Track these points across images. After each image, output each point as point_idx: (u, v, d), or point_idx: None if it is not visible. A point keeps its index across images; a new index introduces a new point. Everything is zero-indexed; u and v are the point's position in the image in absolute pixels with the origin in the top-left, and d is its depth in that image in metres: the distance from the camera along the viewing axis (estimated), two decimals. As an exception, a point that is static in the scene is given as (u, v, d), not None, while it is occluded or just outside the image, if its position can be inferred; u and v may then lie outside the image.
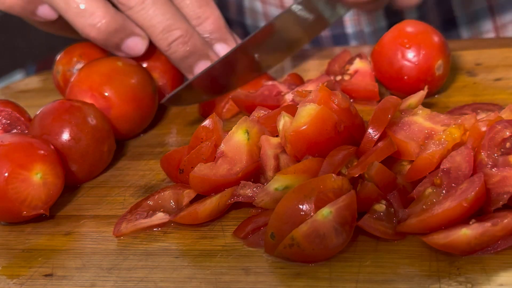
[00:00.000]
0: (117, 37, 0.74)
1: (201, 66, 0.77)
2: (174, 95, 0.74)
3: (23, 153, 0.62)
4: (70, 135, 0.67)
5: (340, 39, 1.03)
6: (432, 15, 1.03)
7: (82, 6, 0.72)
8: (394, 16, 1.01)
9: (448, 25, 1.01)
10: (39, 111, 0.69)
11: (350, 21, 1.01)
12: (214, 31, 0.77)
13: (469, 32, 1.03)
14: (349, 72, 0.76)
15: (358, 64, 0.76)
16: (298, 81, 0.78)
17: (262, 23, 1.05)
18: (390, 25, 1.01)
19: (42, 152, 0.63)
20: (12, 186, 0.61)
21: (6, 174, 0.61)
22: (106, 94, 0.72)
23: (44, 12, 0.76)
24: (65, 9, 0.73)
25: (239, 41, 0.79)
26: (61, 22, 0.77)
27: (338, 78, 0.76)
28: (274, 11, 1.04)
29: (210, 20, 0.77)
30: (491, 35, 1.03)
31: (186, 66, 0.78)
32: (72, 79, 0.75)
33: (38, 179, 0.62)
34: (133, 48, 0.76)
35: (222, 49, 0.78)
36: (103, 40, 0.74)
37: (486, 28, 1.03)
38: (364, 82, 0.74)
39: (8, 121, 0.71)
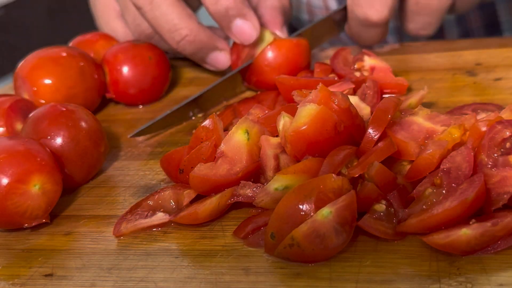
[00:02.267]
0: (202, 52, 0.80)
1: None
2: (140, 130, 0.76)
3: (19, 166, 0.61)
4: (68, 138, 0.67)
5: None
6: (473, 17, 0.99)
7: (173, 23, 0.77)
8: None
9: (490, 28, 0.97)
10: (31, 115, 0.69)
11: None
12: (231, 7, 0.78)
13: None
14: (365, 68, 0.76)
15: (370, 61, 0.77)
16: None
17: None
18: None
19: (39, 159, 0.62)
20: (11, 201, 0.60)
21: (4, 190, 0.60)
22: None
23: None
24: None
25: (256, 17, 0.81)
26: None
27: (358, 74, 0.76)
28: (333, 5, 1.05)
29: None
30: None
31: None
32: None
33: (37, 190, 0.61)
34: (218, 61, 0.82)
35: (242, 24, 0.79)
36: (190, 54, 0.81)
37: None
38: (390, 77, 0.75)
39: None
